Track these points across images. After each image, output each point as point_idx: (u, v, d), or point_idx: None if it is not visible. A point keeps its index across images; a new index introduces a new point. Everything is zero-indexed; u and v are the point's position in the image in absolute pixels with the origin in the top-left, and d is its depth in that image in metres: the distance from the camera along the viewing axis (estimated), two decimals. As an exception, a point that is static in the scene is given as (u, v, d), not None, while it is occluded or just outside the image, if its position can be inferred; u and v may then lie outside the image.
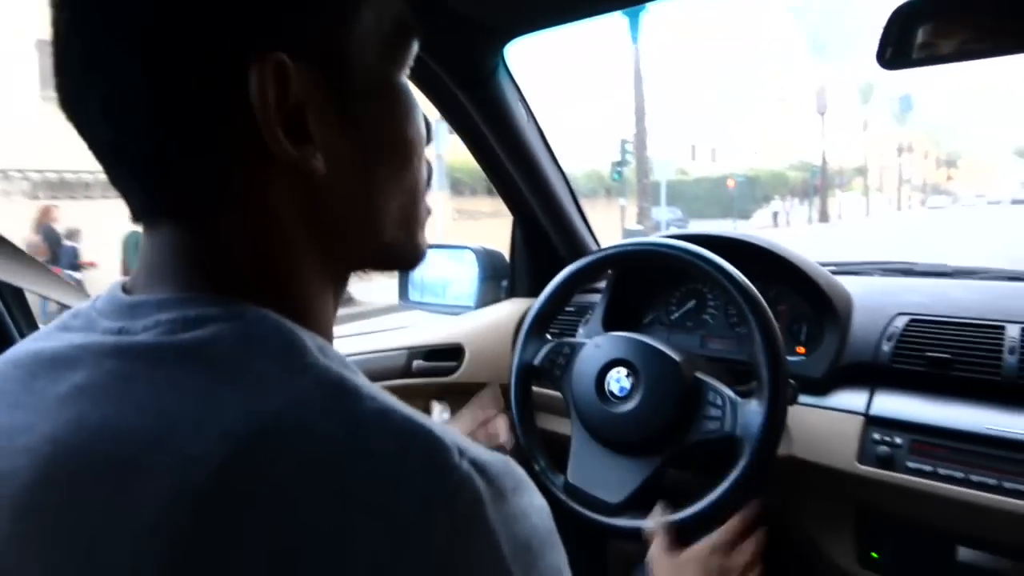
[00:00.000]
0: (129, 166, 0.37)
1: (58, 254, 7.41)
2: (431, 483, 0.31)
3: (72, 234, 7.77)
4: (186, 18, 0.34)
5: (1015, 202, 40.09)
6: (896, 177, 46.06)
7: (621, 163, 17.39)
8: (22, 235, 7.40)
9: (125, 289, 0.40)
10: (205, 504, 0.29)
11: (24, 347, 0.40)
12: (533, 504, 0.35)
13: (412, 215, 0.45)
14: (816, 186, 31.27)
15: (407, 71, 0.44)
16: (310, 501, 0.30)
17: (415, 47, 0.44)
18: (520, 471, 0.36)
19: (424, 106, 0.47)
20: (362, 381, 0.35)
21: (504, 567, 0.32)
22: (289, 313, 0.37)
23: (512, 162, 1.32)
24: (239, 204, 0.38)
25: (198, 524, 0.29)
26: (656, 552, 0.81)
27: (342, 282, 0.45)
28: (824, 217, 30.90)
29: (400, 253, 0.46)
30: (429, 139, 0.46)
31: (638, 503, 0.93)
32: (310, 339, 0.36)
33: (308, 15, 0.37)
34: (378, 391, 0.35)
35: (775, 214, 27.48)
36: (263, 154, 0.36)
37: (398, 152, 0.43)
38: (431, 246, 1.52)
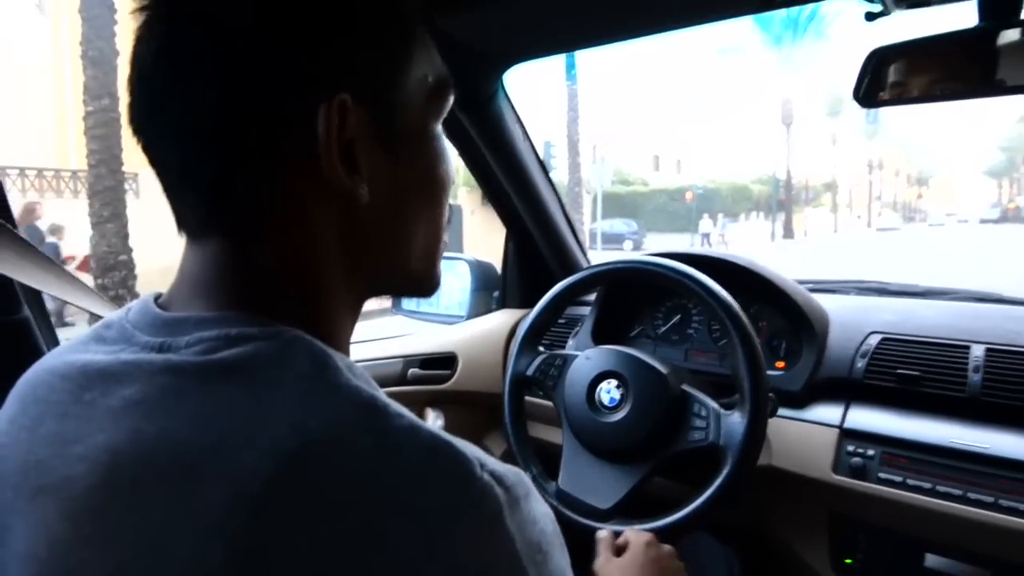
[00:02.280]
0: (192, 184, 0.41)
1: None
2: (457, 492, 0.34)
3: (56, 230, 7.68)
4: (270, 58, 0.38)
5: (983, 221, 40.86)
6: (867, 194, 46.65)
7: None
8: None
9: (160, 304, 0.43)
10: (259, 509, 0.32)
11: (65, 358, 0.43)
12: (540, 510, 0.39)
13: (434, 246, 0.50)
14: (780, 200, 30.01)
15: (442, 119, 0.49)
16: (348, 507, 0.33)
17: (451, 100, 0.49)
18: (528, 481, 0.39)
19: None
20: (389, 400, 0.38)
21: (520, 566, 0.35)
22: (316, 333, 0.40)
23: (507, 179, 1.37)
24: (289, 226, 0.41)
25: (254, 526, 0.32)
26: (601, 559, 0.84)
27: (360, 306, 0.48)
28: (789, 233, 29.54)
29: (420, 280, 0.51)
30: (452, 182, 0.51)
31: (627, 509, 0.97)
32: (339, 359, 0.39)
33: (369, 63, 0.42)
34: (404, 410, 0.38)
35: (705, 236, 24.20)
36: (317, 182, 0.40)
37: (430, 189, 0.48)
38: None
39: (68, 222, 7.64)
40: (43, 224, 7.58)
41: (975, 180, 66.08)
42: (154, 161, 0.42)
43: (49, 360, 0.44)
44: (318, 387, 0.37)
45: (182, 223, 0.43)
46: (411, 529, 0.33)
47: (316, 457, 0.34)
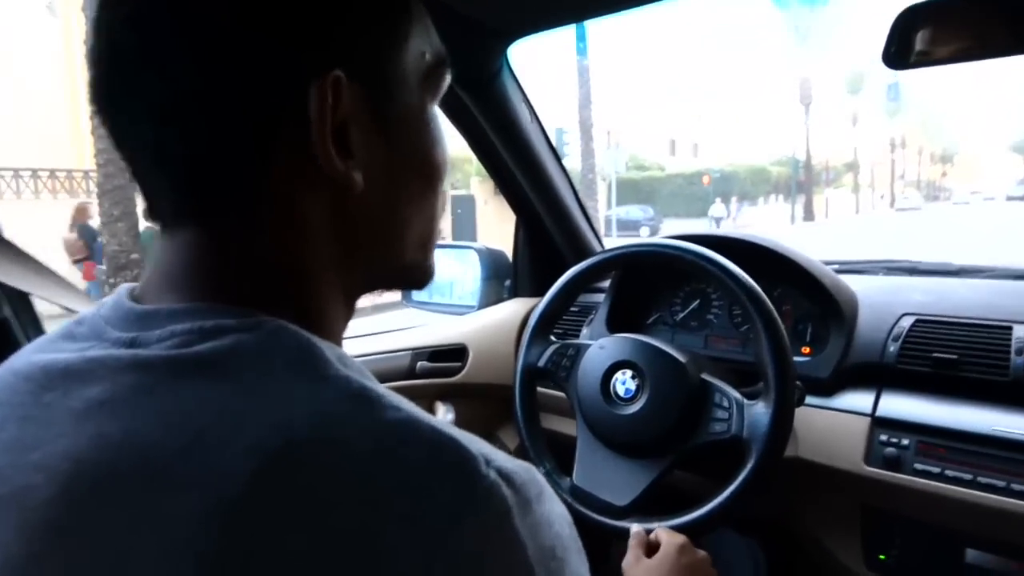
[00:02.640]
0: (168, 170, 0.38)
1: (93, 249, 7.58)
2: (460, 493, 0.31)
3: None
4: (257, 29, 0.35)
5: (1010, 199, 40.09)
6: (889, 173, 45.87)
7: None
8: (35, 234, 7.47)
9: (134, 297, 0.40)
10: (235, 518, 0.29)
11: (29, 357, 0.39)
12: (555, 511, 0.35)
13: (429, 236, 0.47)
14: (800, 182, 29.72)
15: (438, 101, 0.46)
16: (340, 512, 0.30)
17: (448, 80, 0.46)
18: (541, 479, 0.36)
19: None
20: (384, 390, 0.35)
21: (533, 575, 0.32)
22: (303, 325, 0.37)
23: (515, 162, 1.32)
24: (272, 211, 0.38)
25: (229, 537, 0.29)
26: (630, 557, 0.81)
27: (354, 299, 0.45)
28: (809, 215, 29.20)
29: (415, 272, 0.48)
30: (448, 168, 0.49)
31: (645, 506, 0.93)
32: (329, 349, 0.36)
33: (364, 38, 0.39)
34: (401, 400, 0.35)
35: (716, 220, 23.57)
36: (305, 165, 0.37)
37: (425, 175, 0.45)
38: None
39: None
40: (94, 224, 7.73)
41: (1001, 156, 64.79)
42: (122, 143, 0.38)
43: (15, 360, 0.41)
44: (304, 379, 0.34)
45: (153, 211, 0.40)
46: (409, 535, 0.30)
47: (303, 457, 0.31)
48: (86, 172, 9.47)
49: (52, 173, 9.34)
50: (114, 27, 0.36)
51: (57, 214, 8.13)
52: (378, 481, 0.31)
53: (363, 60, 0.39)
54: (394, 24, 0.41)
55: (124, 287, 0.41)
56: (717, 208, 24.35)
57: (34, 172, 9.14)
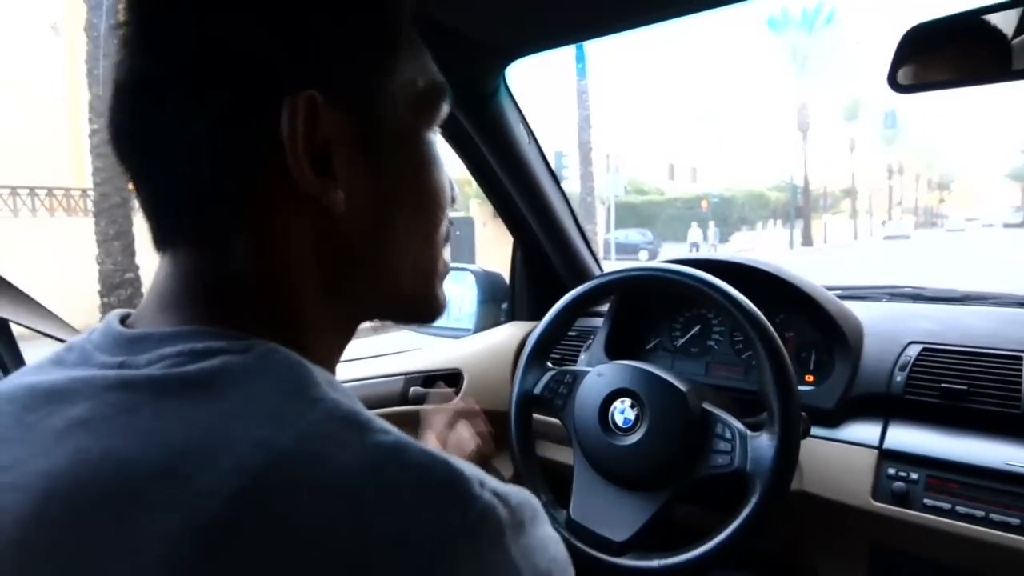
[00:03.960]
0: (159, 191, 0.38)
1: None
2: (453, 513, 0.30)
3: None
4: (229, 52, 0.36)
5: (1007, 226, 40.29)
6: (887, 199, 46.05)
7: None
8: (31, 254, 7.44)
9: (124, 322, 0.39)
10: (213, 539, 0.28)
11: (16, 381, 0.39)
12: (549, 534, 0.35)
13: (430, 267, 0.46)
14: (798, 208, 29.83)
15: (436, 127, 0.45)
16: (324, 535, 0.28)
17: (446, 106, 0.45)
18: (536, 501, 0.35)
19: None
20: (373, 416, 0.34)
21: None
22: (294, 349, 0.37)
23: (513, 184, 1.30)
24: (258, 231, 0.38)
25: (206, 560, 0.28)
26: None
27: (350, 331, 0.45)
28: (807, 241, 29.35)
29: (416, 304, 0.47)
30: (453, 198, 0.47)
31: (644, 541, 0.89)
32: (319, 372, 0.36)
33: (347, 61, 0.39)
34: (390, 426, 0.34)
35: (694, 246, 22.64)
36: (288, 187, 0.37)
37: (420, 203, 0.44)
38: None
39: (80, 241, 7.70)
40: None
41: (998, 184, 65.21)
42: (133, 175, 0.39)
43: (2, 384, 0.40)
44: (291, 401, 0.33)
45: (154, 237, 0.40)
46: (398, 560, 0.29)
47: (285, 477, 0.30)
48: (84, 191, 9.46)
49: (50, 192, 9.33)
50: (121, 67, 0.38)
51: (55, 233, 8.10)
52: (365, 503, 0.30)
53: (344, 84, 0.38)
54: (380, 51, 0.40)
55: (114, 313, 0.41)
56: (694, 233, 23.69)
57: (32, 190, 9.13)
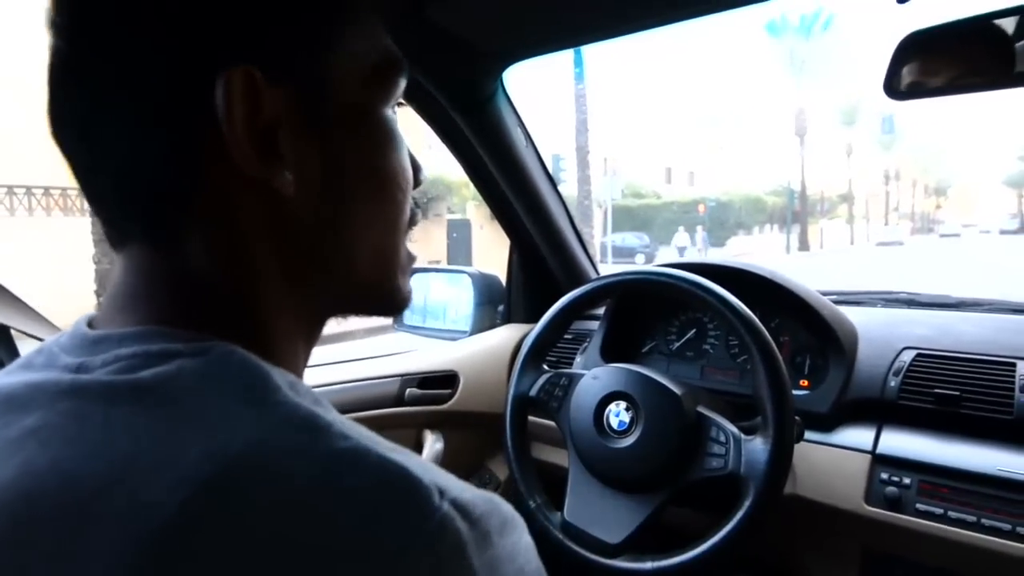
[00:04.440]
0: (102, 185, 0.36)
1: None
2: (409, 527, 0.29)
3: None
4: (159, 27, 0.34)
5: (1003, 232, 40.36)
6: (884, 205, 46.11)
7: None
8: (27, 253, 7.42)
9: (90, 323, 0.38)
10: (159, 553, 0.27)
11: None
12: (520, 544, 0.33)
13: (390, 254, 0.44)
14: (796, 212, 29.57)
15: (393, 104, 0.43)
16: (277, 548, 0.27)
17: (403, 81, 0.43)
18: (507, 508, 0.33)
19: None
20: (335, 417, 0.33)
21: None
22: (256, 349, 0.35)
23: (510, 187, 1.30)
24: (208, 222, 0.36)
25: (154, 572, 0.27)
26: None
27: (316, 326, 0.43)
28: (804, 245, 29.14)
29: (379, 295, 0.45)
30: (417, 180, 0.45)
31: (638, 543, 0.89)
32: (280, 375, 0.34)
33: (287, 34, 0.36)
34: (352, 427, 0.32)
35: (681, 249, 22.26)
36: (234, 174, 0.35)
37: (374, 184, 0.41)
38: (426, 269, 1.47)
39: (77, 240, 7.68)
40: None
41: (995, 190, 65.36)
42: (76, 170, 0.37)
43: None
44: (247, 406, 0.32)
45: (107, 235, 0.38)
46: (352, 573, 0.28)
47: (236, 485, 0.28)
48: (80, 190, 9.43)
49: (47, 191, 9.30)
50: (54, 52, 0.35)
51: (52, 232, 8.06)
52: (318, 514, 0.28)
53: (284, 59, 0.36)
54: (321, 23, 0.38)
55: (85, 315, 0.39)
56: (680, 237, 23.01)
57: (28, 189, 9.09)
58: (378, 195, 0.42)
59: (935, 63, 0.85)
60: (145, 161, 0.35)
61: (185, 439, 0.30)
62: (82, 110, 0.35)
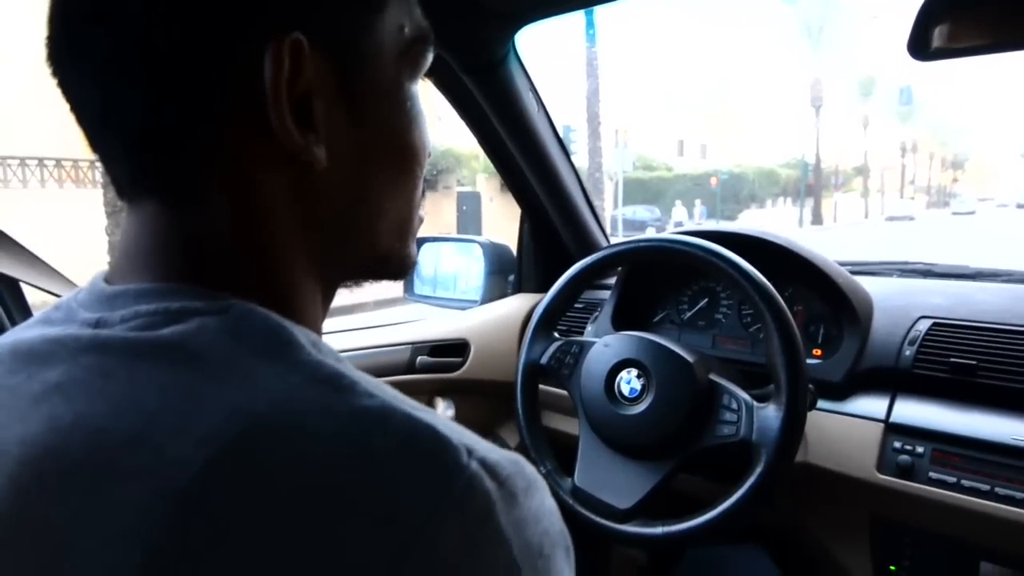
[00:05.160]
0: (118, 132, 0.35)
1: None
2: (438, 486, 0.29)
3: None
4: None
5: (1020, 206, 39.74)
6: (899, 178, 45.45)
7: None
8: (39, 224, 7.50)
9: (107, 279, 0.38)
10: (185, 509, 0.27)
11: (3, 340, 0.38)
12: (545, 506, 0.33)
13: (407, 223, 0.45)
14: (809, 185, 28.99)
15: (418, 79, 0.43)
16: (302, 506, 0.27)
17: (430, 58, 0.43)
18: (531, 470, 0.33)
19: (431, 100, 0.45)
20: (359, 376, 0.32)
21: (517, 574, 0.29)
22: (275, 309, 0.35)
23: (521, 153, 1.28)
24: (231, 186, 0.35)
25: (177, 529, 0.27)
26: None
27: (331, 290, 0.43)
28: (818, 219, 28.70)
29: (392, 261, 0.45)
30: (428, 154, 0.46)
31: (648, 509, 0.90)
32: (302, 334, 0.34)
33: (336, 5, 0.36)
34: (378, 386, 0.32)
35: (678, 225, 20.05)
36: (264, 137, 0.35)
37: (400, 157, 0.42)
38: (436, 239, 1.46)
39: (89, 212, 7.72)
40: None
41: (1013, 164, 64.30)
42: (74, 104, 0.36)
43: None
44: (270, 364, 0.31)
45: (114, 182, 0.37)
46: (378, 534, 0.27)
47: (261, 444, 0.28)
48: (92, 162, 9.44)
49: (59, 162, 9.31)
50: None
51: (64, 203, 8.09)
52: (343, 472, 0.28)
53: (330, 27, 0.36)
54: None
55: (102, 271, 0.39)
56: (678, 211, 21.96)
57: (40, 161, 9.11)
58: (401, 169, 0.42)
59: (966, 20, 0.82)
60: (174, 113, 0.34)
61: (210, 397, 0.30)
62: (114, 54, 0.33)
